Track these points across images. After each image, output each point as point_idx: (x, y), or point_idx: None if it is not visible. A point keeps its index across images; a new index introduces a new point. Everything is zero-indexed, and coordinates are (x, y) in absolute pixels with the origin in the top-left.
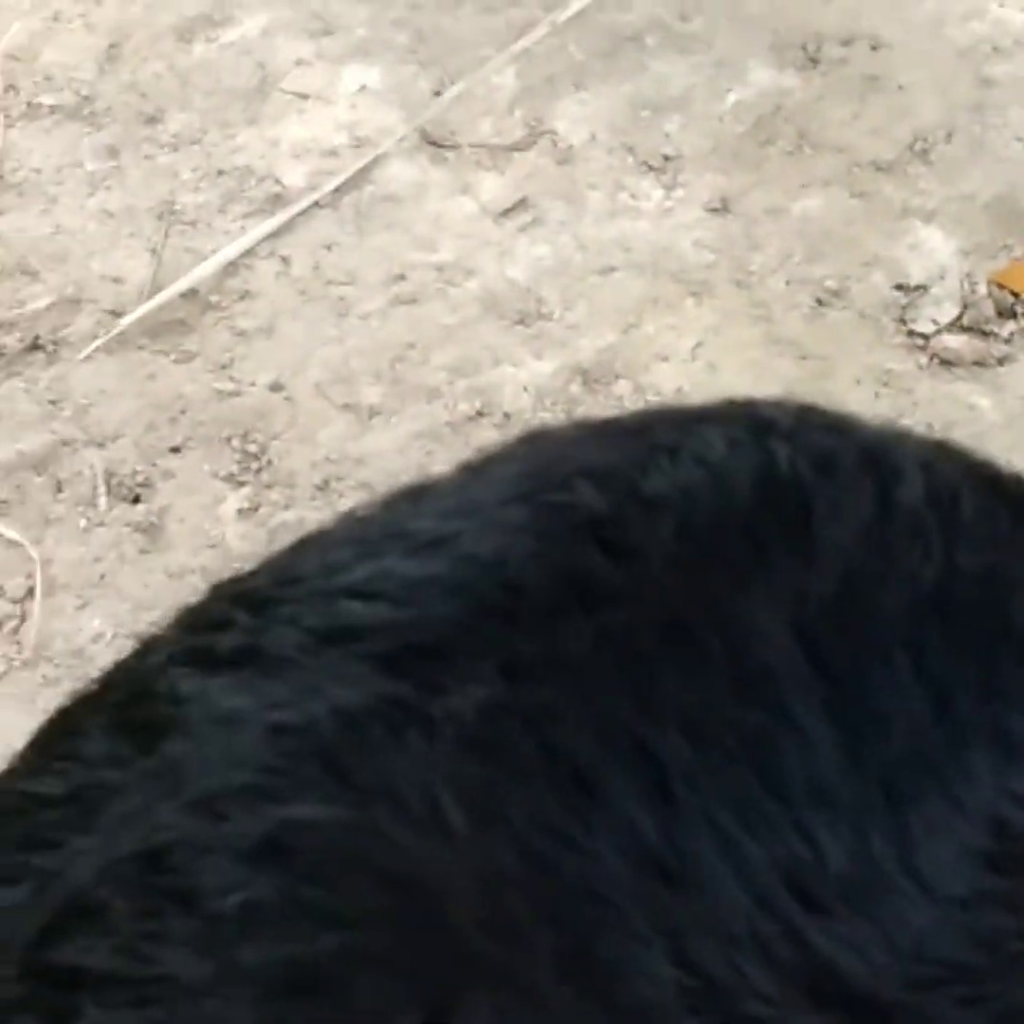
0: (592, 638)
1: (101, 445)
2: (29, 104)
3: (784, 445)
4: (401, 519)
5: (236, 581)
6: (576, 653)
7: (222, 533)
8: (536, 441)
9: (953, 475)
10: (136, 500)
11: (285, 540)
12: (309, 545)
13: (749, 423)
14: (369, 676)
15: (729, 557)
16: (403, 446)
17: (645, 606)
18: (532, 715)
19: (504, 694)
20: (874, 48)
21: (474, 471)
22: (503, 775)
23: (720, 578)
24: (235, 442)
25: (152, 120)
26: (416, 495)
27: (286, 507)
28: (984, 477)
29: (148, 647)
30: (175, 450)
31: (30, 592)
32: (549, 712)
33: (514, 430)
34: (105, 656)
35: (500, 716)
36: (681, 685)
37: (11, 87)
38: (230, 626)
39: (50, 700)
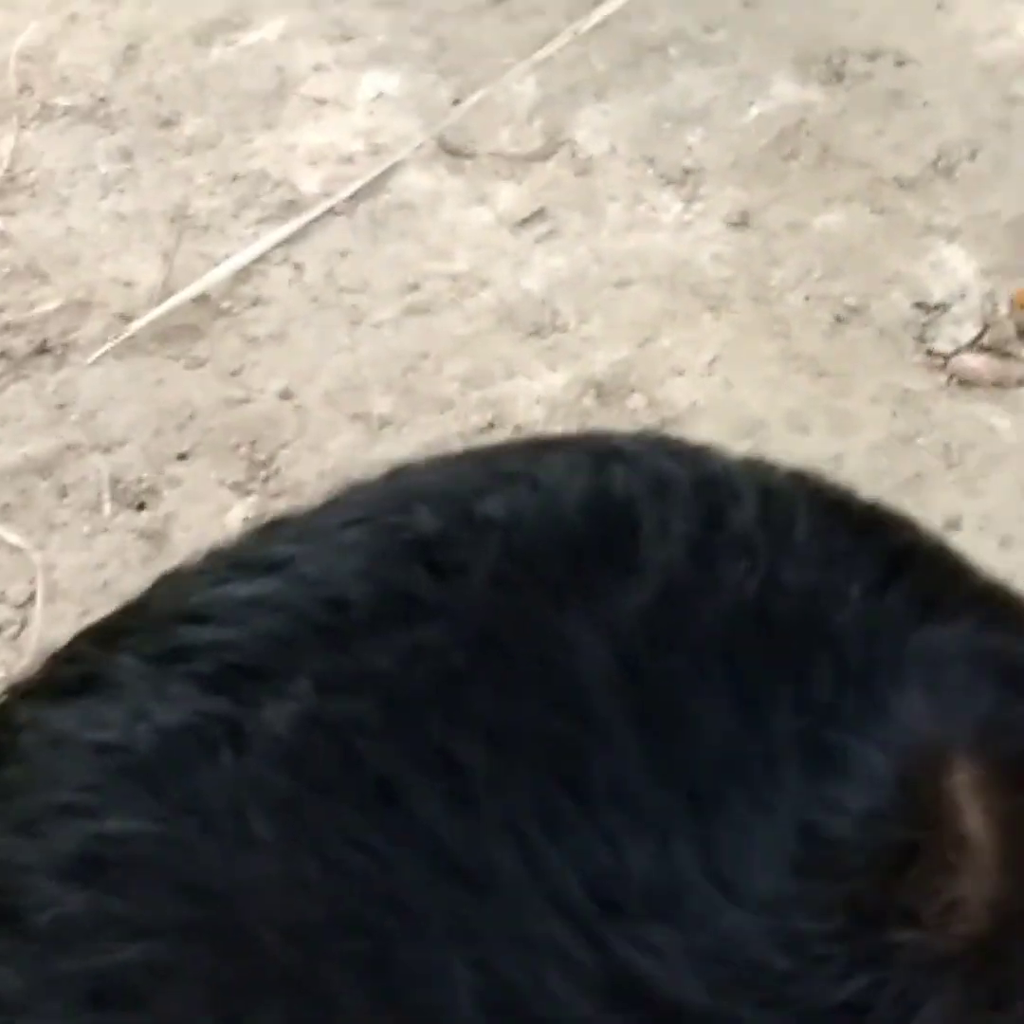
0: (407, 652)
1: (107, 450)
2: (44, 105)
3: (622, 469)
4: (250, 547)
5: (96, 621)
6: (389, 667)
7: None
8: (397, 472)
9: (795, 499)
10: (141, 507)
11: None
12: (165, 579)
13: (594, 450)
14: (191, 695)
15: (550, 574)
16: (413, 457)
17: (461, 622)
18: (341, 728)
19: (315, 708)
20: (900, 63)
21: (330, 500)
22: (309, 787)
23: (538, 594)
24: (243, 450)
25: (168, 123)
26: (271, 526)
27: None
28: (831, 502)
29: (10, 688)
30: (182, 457)
31: (31, 598)
32: (357, 724)
33: None
34: None
35: (310, 729)
36: (490, 697)
37: (26, 88)
38: (77, 659)
39: None
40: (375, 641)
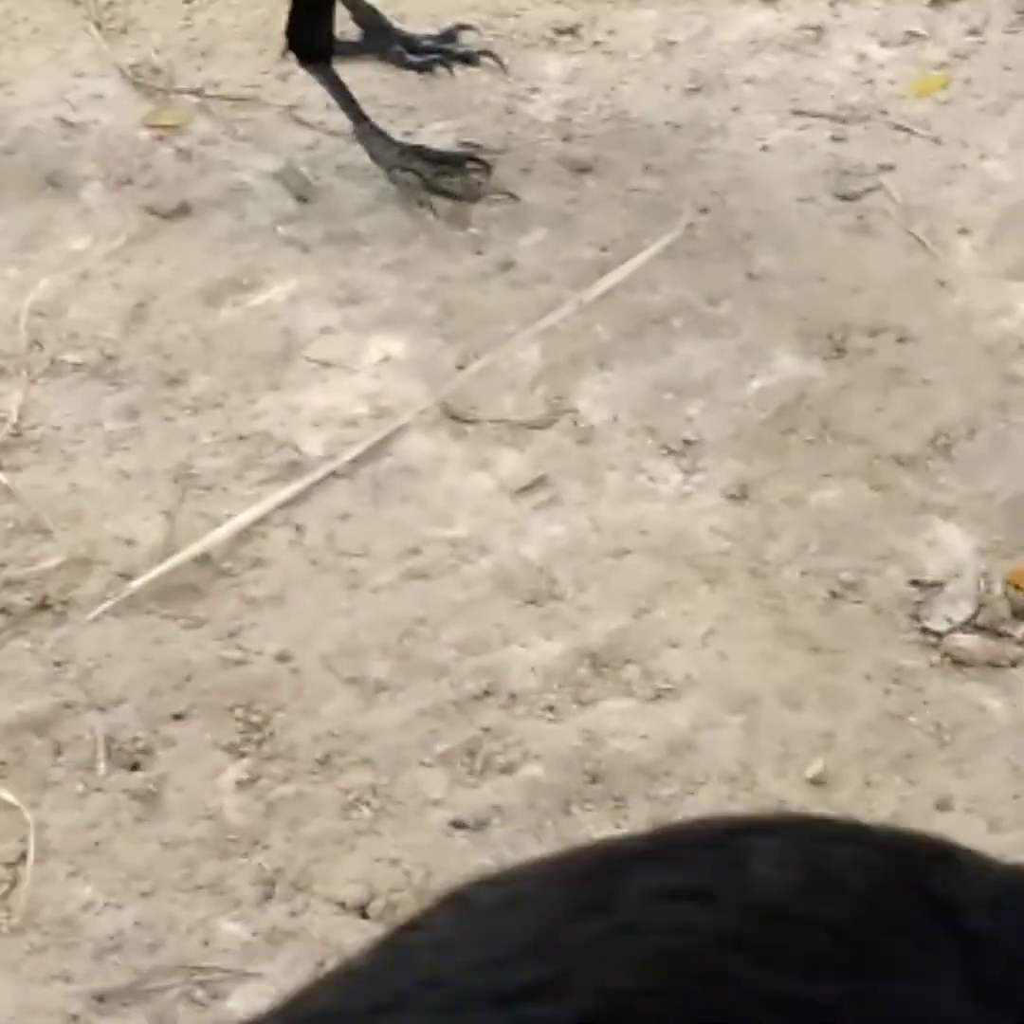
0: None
1: (103, 709)
2: (53, 361)
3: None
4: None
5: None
6: None
7: (220, 804)
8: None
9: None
10: (135, 767)
11: (283, 814)
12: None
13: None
14: None
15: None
16: (408, 723)
17: None
18: None
19: None
20: (901, 340)
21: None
22: None
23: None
24: (238, 712)
25: (174, 382)
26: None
27: (286, 780)
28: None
29: None
30: (178, 717)
31: (22, 857)
32: None
33: (520, 711)
34: (95, 926)
35: None
36: None
37: (36, 343)
38: None
39: (36, 969)
40: None
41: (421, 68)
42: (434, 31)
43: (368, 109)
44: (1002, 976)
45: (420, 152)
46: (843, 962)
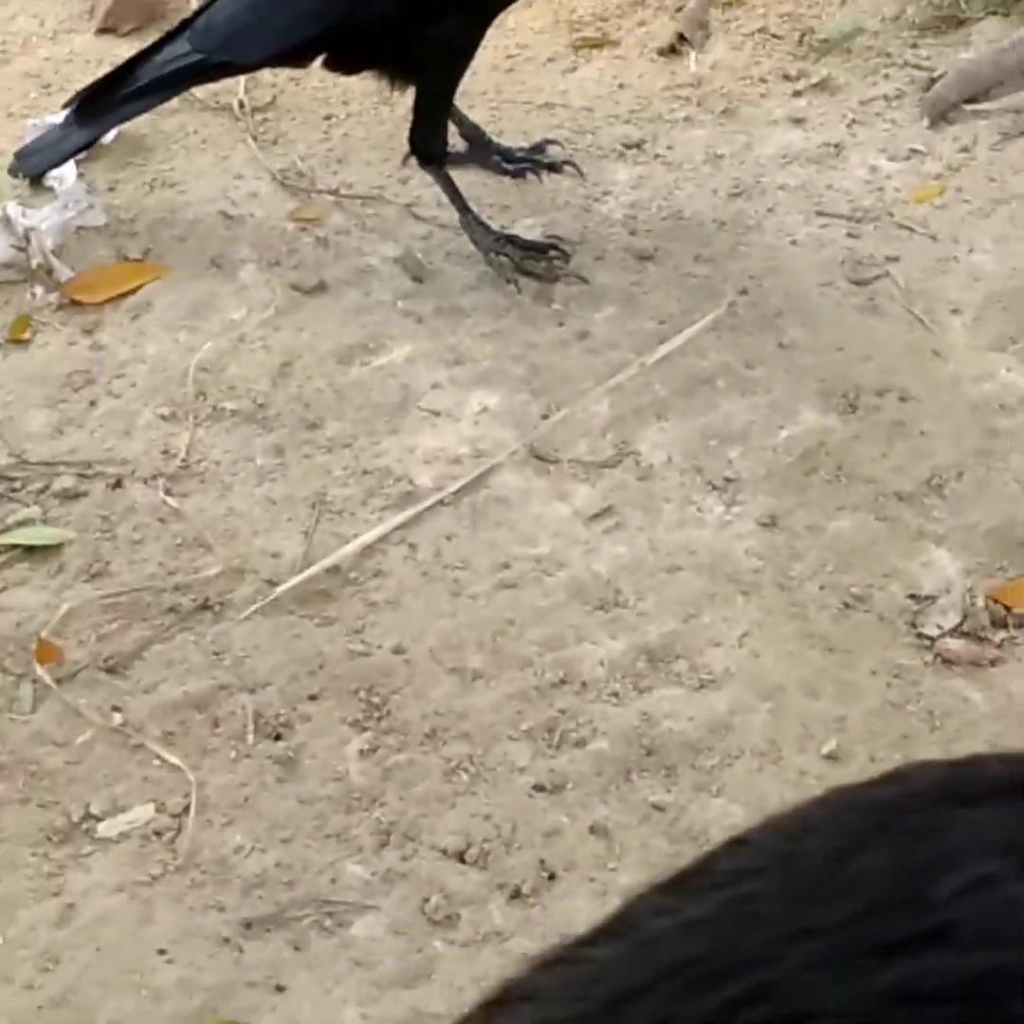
0: None
1: (252, 691)
2: (214, 408)
3: None
4: None
5: None
6: None
7: (346, 768)
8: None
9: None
10: (278, 737)
11: (398, 777)
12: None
13: None
14: None
15: None
16: (498, 704)
17: None
18: None
19: None
20: (903, 399)
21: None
22: None
23: None
24: (361, 694)
25: (313, 426)
26: None
27: (399, 750)
28: None
29: None
30: (312, 698)
31: (186, 809)
32: None
33: (590, 696)
34: (243, 866)
35: None
36: None
37: (201, 394)
38: None
39: (196, 901)
40: None
41: (515, 174)
42: (525, 144)
43: (472, 206)
44: None
45: (512, 241)
46: None
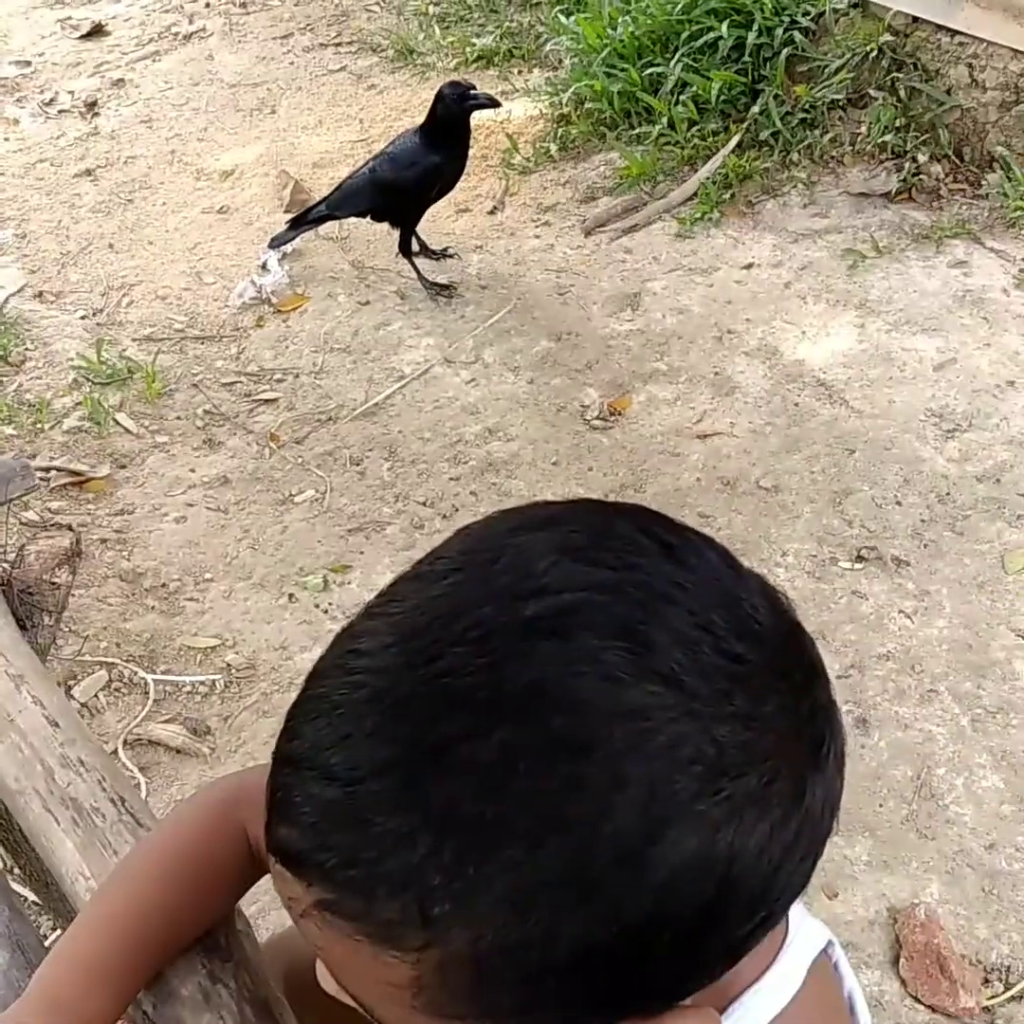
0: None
1: None
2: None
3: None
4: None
5: None
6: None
7: None
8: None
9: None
10: None
11: None
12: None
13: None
14: None
15: None
16: None
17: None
18: None
19: None
20: None
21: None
22: None
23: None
24: None
25: None
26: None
27: None
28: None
29: None
30: None
31: None
32: None
33: None
34: None
35: None
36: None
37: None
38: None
39: None
40: None
41: (439, 257)
42: (437, 248)
43: (422, 271)
44: None
45: (434, 284)
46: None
